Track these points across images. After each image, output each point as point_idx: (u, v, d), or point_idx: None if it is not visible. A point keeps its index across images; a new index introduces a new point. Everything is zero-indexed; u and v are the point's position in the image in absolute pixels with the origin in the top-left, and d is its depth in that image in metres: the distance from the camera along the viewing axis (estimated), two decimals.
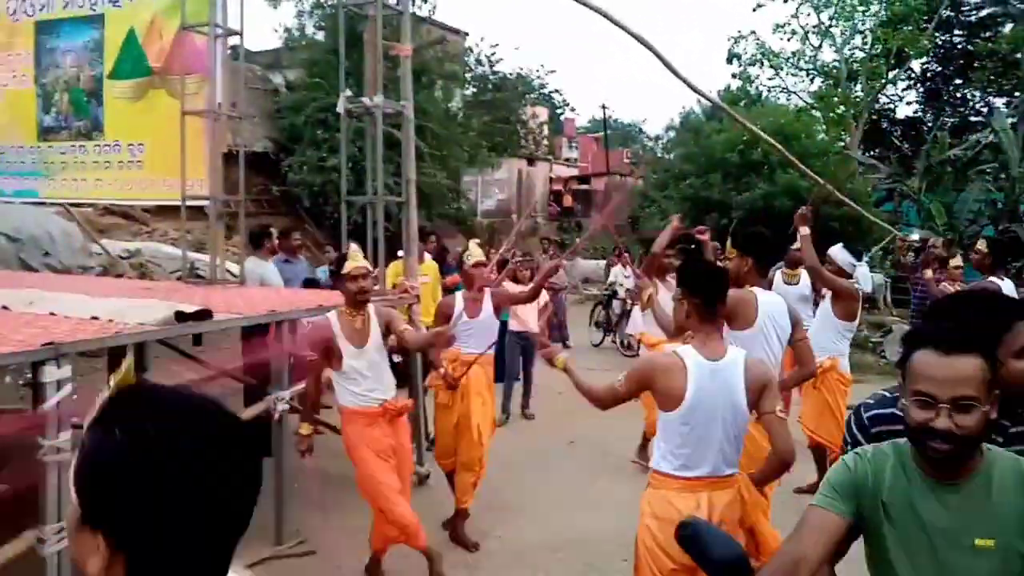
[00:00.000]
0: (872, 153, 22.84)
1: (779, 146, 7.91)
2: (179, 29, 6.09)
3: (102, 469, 0.85)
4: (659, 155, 26.95)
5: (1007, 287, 5.56)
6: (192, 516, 0.85)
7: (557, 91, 31.51)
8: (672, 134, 28.50)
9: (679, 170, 15.28)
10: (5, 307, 4.25)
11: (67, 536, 0.87)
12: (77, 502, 0.87)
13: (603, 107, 29.87)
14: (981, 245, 6.05)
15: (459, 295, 4.79)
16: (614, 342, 11.50)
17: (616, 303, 11.55)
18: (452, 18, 34.28)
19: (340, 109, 5.43)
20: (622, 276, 11.52)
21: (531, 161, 22.45)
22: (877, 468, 1.69)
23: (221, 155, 6.28)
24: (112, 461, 0.85)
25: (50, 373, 3.21)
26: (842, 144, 21.99)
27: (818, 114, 21.71)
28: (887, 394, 2.07)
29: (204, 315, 3.92)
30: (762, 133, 7.90)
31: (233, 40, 6.20)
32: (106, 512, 0.85)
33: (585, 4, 7.08)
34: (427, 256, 8.17)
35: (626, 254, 12.13)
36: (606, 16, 7.22)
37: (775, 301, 3.75)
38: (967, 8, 22.94)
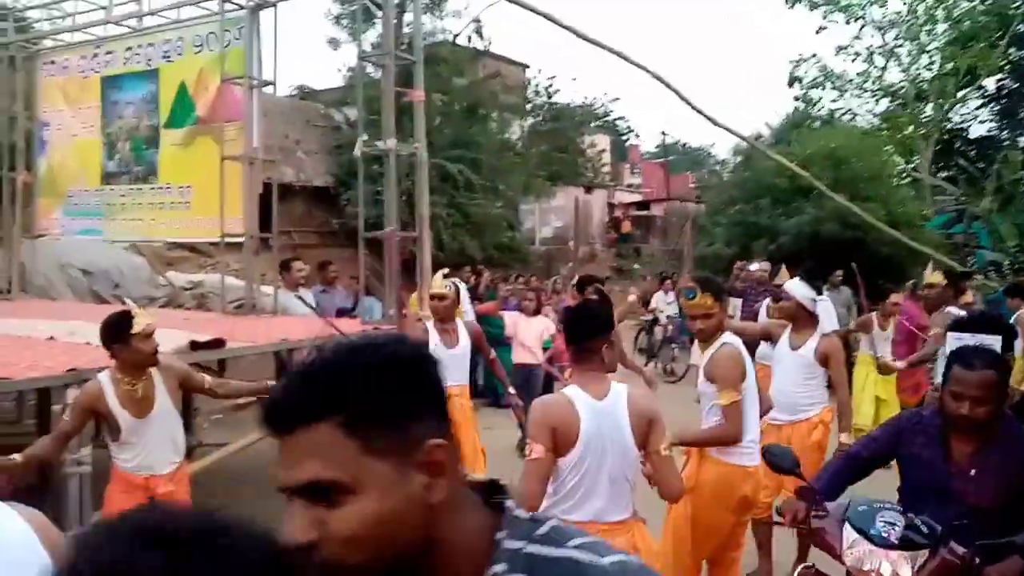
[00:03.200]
0: (946, 174, 22.16)
1: (806, 174, 7.96)
2: (220, 81, 6.68)
3: None
4: (723, 179, 26.77)
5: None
6: None
7: (622, 118, 31.78)
8: (739, 158, 28.32)
9: (729, 195, 15.27)
10: (52, 337, 4.79)
11: None
12: None
13: (663, 134, 29.93)
14: (938, 276, 5.42)
15: (430, 325, 4.86)
16: (656, 367, 11.59)
17: (658, 329, 11.66)
18: (514, 51, 35.02)
19: (357, 153, 5.86)
20: (663, 302, 11.64)
21: (588, 189, 22.72)
22: None
23: (259, 194, 6.80)
24: None
25: (71, 395, 3.67)
26: (912, 166, 21.45)
27: (886, 135, 21.25)
28: None
29: (217, 344, 4.36)
30: (786, 161, 7.99)
31: (268, 90, 6.75)
32: None
33: (602, 46, 7.35)
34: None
35: (668, 280, 12.23)
36: (623, 57, 7.46)
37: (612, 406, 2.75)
38: None
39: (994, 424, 2.50)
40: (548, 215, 21.79)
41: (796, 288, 4.45)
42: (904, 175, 20.41)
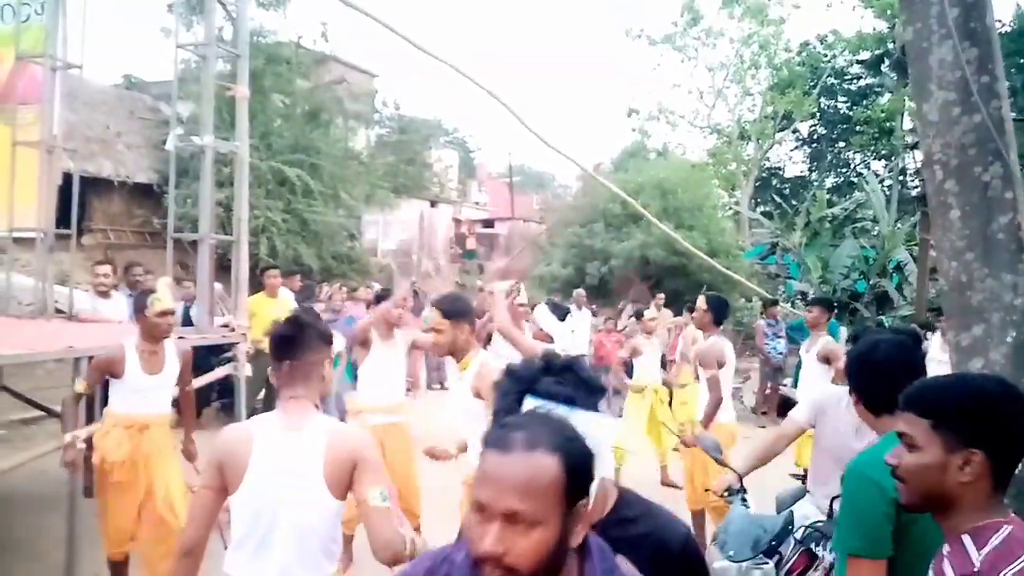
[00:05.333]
0: (763, 209, 24.02)
1: (633, 200, 8.28)
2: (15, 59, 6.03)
3: None
4: (565, 202, 27.66)
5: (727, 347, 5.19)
6: None
7: (471, 136, 32.15)
8: (580, 183, 29.41)
9: (567, 218, 15.76)
10: None
11: None
12: None
13: (509, 154, 30.62)
14: (701, 302, 5.32)
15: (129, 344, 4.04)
16: None
17: None
18: (365, 61, 34.49)
19: (169, 147, 5.47)
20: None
21: (434, 203, 22.71)
22: None
23: (60, 186, 6.19)
24: None
25: None
26: (734, 200, 23.06)
27: (711, 169, 22.76)
28: None
29: None
30: (615, 188, 8.30)
31: (75, 73, 6.16)
32: None
33: (445, 62, 7.34)
34: (285, 292, 8.23)
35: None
36: (463, 73, 7.47)
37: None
38: (848, 77, 24.56)
39: (561, 570, 1.22)
40: (392, 227, 21.55)
41: (539, 315, 4.80)
42: (727, 208, 21.91)
